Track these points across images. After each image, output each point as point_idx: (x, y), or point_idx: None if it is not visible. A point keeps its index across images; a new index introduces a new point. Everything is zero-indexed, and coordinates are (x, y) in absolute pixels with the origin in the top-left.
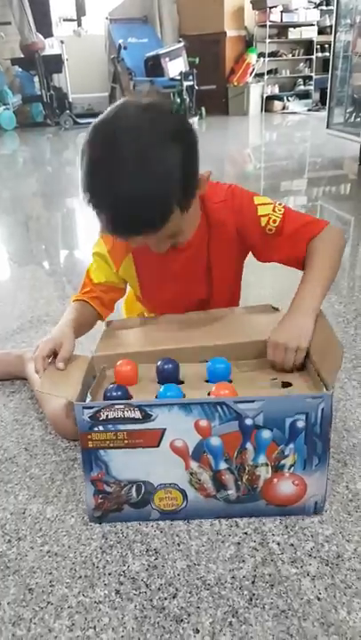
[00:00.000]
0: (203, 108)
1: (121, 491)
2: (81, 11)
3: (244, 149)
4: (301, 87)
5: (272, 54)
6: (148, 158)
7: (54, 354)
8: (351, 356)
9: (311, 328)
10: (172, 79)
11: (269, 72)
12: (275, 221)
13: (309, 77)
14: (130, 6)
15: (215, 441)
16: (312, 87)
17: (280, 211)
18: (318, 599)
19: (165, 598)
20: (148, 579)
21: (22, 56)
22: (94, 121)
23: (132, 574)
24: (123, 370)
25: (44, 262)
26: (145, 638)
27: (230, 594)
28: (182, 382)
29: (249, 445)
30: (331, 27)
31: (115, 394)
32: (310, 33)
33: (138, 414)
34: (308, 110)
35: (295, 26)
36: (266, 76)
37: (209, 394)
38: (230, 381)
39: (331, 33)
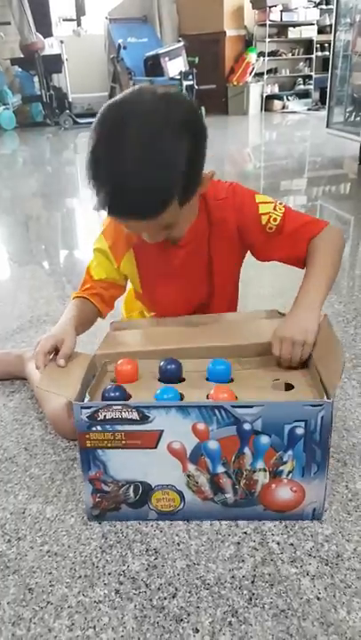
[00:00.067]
0: (202, 108)
1: (119, 490)
2: (80, 10)
3: (244, 149)
4: (301, 86)
5: (272, 53)
6: (156, 144)
7: (55, 350)
8: (351, 356)
9: (317, 322)
10: (172, 79)
11: (269, 71)
12: (275, 220)
13: (309, 77)
14: (129, 6)
15: (213, 444)
16: (312, 86)
17: (281, 209)
18: (318, 599)
19: (165, 598)
20: (147, 578)
21: (22, 56)
22: (108, 102)
23: (131, 574)
24: (123, 369)
25: (44, 262)
26: (145, 638)
27: (230, 593)
28: (183, 380)
29: (247, 450)
30: (330, 26)
31: (113, 394)
32: (310, 32)
33: (135, 415)
34: (308, 110)
35: (295, 25)
36: (266, 76)
37: (208, 396)
38: (231, 380)
39: (330, 32)
